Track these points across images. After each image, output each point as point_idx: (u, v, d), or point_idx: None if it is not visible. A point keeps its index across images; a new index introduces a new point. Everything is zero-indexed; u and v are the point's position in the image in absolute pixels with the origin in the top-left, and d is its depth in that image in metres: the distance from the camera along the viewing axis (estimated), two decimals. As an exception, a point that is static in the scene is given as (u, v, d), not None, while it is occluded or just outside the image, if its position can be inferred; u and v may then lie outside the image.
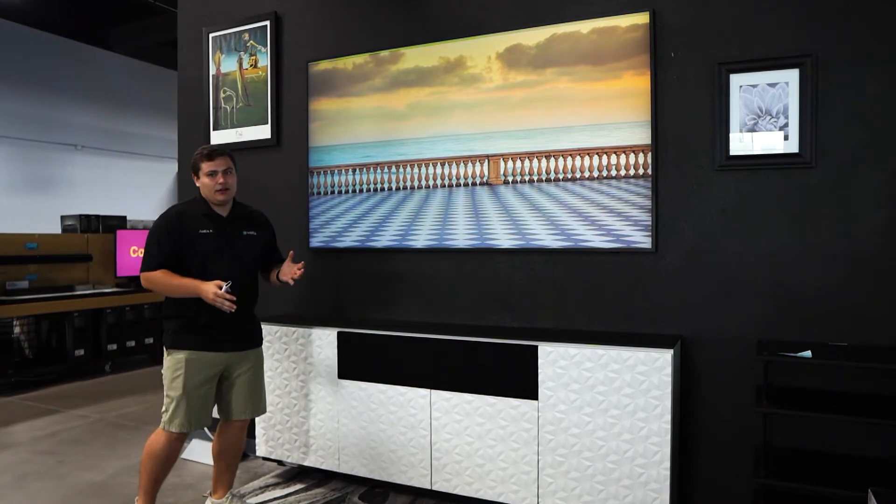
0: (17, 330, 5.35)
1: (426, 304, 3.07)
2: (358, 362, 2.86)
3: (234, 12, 3.54)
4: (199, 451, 3.35)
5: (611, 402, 2.34)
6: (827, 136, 2.31)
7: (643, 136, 2.56)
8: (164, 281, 2.38)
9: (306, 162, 3.31)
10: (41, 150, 7.92)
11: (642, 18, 2.54)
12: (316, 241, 3.29)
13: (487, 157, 2.87)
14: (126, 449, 3.60)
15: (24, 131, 7.70)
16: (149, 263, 2.40)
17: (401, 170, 3.07)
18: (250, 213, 2.66)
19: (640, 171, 2.57)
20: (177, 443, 2.46)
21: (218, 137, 3.57)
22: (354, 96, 3.17)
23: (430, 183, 3.00)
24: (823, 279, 2.33)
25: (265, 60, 3.42)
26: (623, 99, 2.58)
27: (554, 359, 2.44)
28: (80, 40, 8.04)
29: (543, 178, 2.75)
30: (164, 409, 2.45)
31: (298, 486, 2.98)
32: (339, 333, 2.90)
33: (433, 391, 2.68)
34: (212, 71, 3.60)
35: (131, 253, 5.97)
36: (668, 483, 2.26)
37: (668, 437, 2.26)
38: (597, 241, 2.64)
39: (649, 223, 2.56)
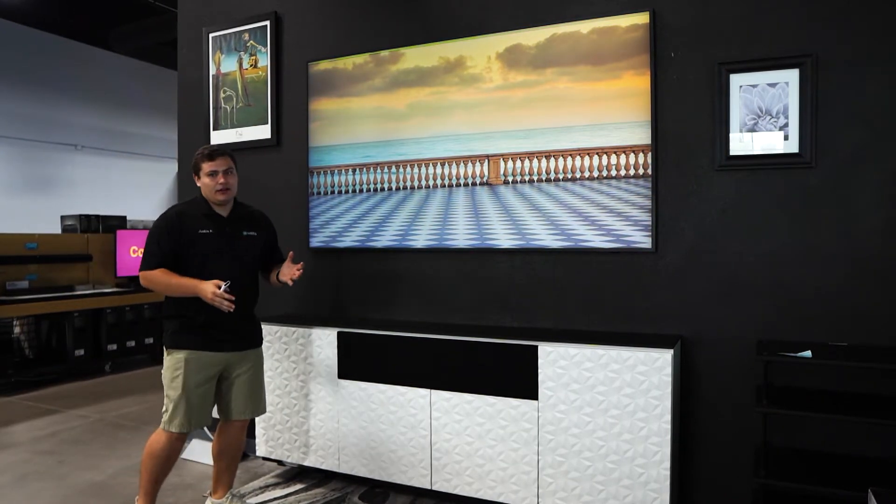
0: (17, 330, 5.35)
1: (426, 304, 3.07)
2: (358, 362, 2.86)
3: (234, 12, 3.54)
4: (199, 451, 3.36)
5: (611, 402, 2.34)
6: (827, 136, 2.31)
7: (643, 136, 2.56)
8: (163, 280, 2.39)
9: (306, 162, 3.31)
10: (41, 150, 7.92)
11: (642, 18, 2.54)
12: (316, 241, 3.29)
13: (487, 157, 2.87)
14: (126, 449, 3.60)
15: (24, 131, 7.71)
16: (148, 262, 2.40)
17: (401, 170, 3.07)
18: (251, 213, 2.66)
19: (640, 171, 2.57)
20: (177, 443, 2.46)
21: (218, 137, 3.57)
22: (354, 96, 3.17)
23: (430, 183, 3.00)
24: (823, 279, 2.33)
25: (265, 60, 3.42)
26: (623, 99, 2.58)
27: (554, 359, 2.44)
28: (80, 40, 8.04)
29: (543, 178, 2.75)
30: (164, 409, 2.46)
31: (298, 486, 2.98)
32: (339, 333, 2.90)
33: (433, 391, 2.68)
34: (212, 71, 3.60)
35: (131, 253, 5.97)
36: (668, 483, 2.26)
37: (668, 437, 2.26)
38: (597, 241, 2.64)
39: (649, 223, 2.56)
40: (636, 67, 2.56)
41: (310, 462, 2.99)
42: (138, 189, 8.97)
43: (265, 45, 3.42)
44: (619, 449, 2.32)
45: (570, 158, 2.70)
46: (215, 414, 2.62)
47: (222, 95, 3.58)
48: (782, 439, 2.39)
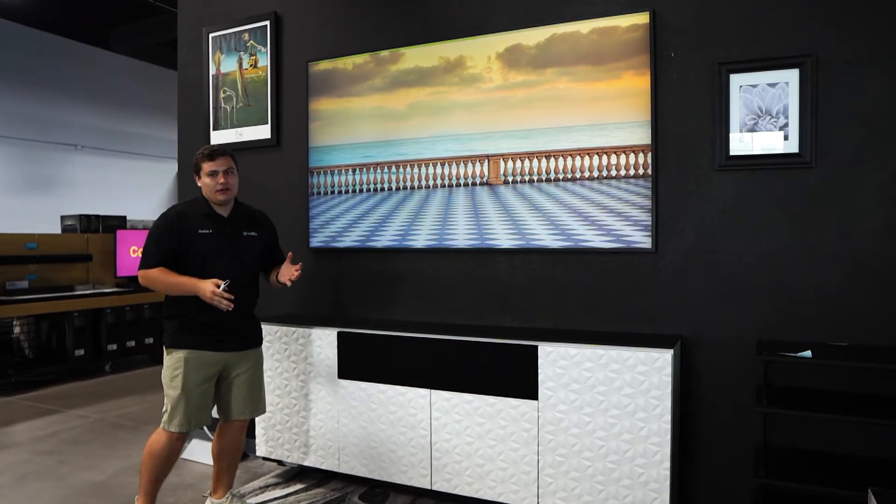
0: (17, 330, 5.35)
1: (426, 304, 3.07)
2: (358, 362, 2.86)
3: (234, 12, 3.54)
4: (199, 451, 3.36)
5: (611, 402, 2.34)
6: (827, 136, 2.31)
7: (643, 136, 2.56)
8: (162, 279, 2.39)
9: (306, 162, 3.31)
10: (41, 150, 7.92)
11: (642, 18, 2.54)
12: (316, 241, 3.29)
13: (487, 157, 2.87)
14: (126, 449, 3.60)
15: (24, 131, 7.71)
16: (147, 261, 2.41)
17: (401, 170, 3.07)
18: (252, 213, 2.65)
19: (640, 171, 2.57)
20: (177, 442, 2.46)
21: (218, 137, 3.57)
22: (354, 96, 3.17)
23: (430, 183, 3.00)
24: (823, 279, 2.33)
25: (265, 60, 3.42)
26: (623, 99, 2.58)
27: (554, 359, 2.44)
28: (80, 40, 8.04)
29: (543, 178, 2.75)
30: (164, 408, 2.46)
31: (298, 486, 2.98)
32: (339, 333, 2.90)
33: (433, 391, 2.68)
34: (212, 71, 3.60)
35: (131, 253, 5.97)
36: (668, 483, 2.26)
37: (668, 437, 2.26)
38: (597, 241, 2.64)
39: (649, 223, 2.56)
40: (636, 67, 2.56)
41: (310, 462, 2.99)
42: (138, 189, 8.97)
43: (265, 45, 3.42)
44: (619, 449, 2.32)
45: (570, 158, 2.70)
46: (215, 414, 2.62)
47: (222, 95, 3.58)
48: (782, 439, 2.39)
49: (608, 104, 2.61)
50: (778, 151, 2.37)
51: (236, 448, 2.66)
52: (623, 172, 2.60)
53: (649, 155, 2.55)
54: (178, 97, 3.78)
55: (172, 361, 2.44)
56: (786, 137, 2.36)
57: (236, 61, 3.52)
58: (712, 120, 2.47)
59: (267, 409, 2.85)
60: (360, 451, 2.85)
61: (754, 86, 2.40)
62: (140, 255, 2.47)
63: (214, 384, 2.52)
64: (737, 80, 2.42)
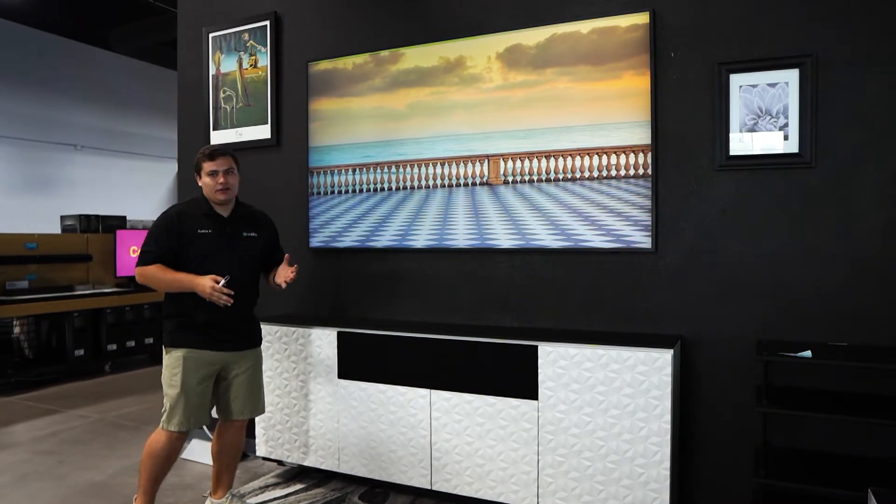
0: (16, 330, 5.35)
1: (426, 304, 3.07)
2: (358, 362, 2.86)
3: (234, 12, 3.54)
4: (199, 451, 3.36)
5: (611, 402, 2.34)
6: (827, 136, 2.31)
7: (643, 136, 2.56)
8: (159, 275, 2.39)
9: (306, 162, 3.31)
10: (41, 150, 7.92)
11: (642, 18, 2.54)
12: (316, 241, 3.29)
13: (487, 157, 2.87)
14: (126, 449, 3.60)
15: (24, 131, 7.71)
16: (144, 259, 2.41)
17: (401, 170, 3.07)
18: (252, 213, 2.65)
19: (640, 171, 2.57)
20: (177, 442, 2.46)
21: (218, 137, 3.57)
22: (354, 96, 3.17)
23: (430, 183, 3.00)
24: (823, 279, 2.33)
25: (265, 60, 3.42)
26: (623, 99, 2.58)
27: (554, 359, 2.44)
28: (80, 40, 8.04)
29: (543, 178, 2.75)
30: (163, 408, 2.46)
31: (298, 486, 2.98)
32: (339, 333, 2.90)
33: (433, 391, 2.68)
34: (212, 71, 3.60)
35: (131, 253, 5.97)
36: (668, 483, 2.26)
37: (668, 437, 2.26)
38: (597, 241, 2.64)
39: (649, 223, 2.56)
40: (636, 67, 2.56)
41: (310, 462, 2.99)
42: (138, 189, 8.97)
43: (265, 45, 3.42)
44: (619, 449, 2.32)
45: (570, 158, 2.70)
46: (214, 414, 2.62)
47: (222, 95, 3.58)
48: (782, 439, 2.39)
49: (608, 104, 2.61)
50: (778, 151, 2.37)
51: (236, 448, 2.66)
52: (623, 172, 2.60)
53: (649, 155, 2.55)
54: (178, 97, 3.78)
55: (171, 361, 2.44)
56: (786, 137, 2.36)
57: (236, 61, 3.52)
58: (712, 120, 2.47)
59: (267, 409, 2.85)
60: (360, 451, 2.85)
61: (754, 86, 2.40)
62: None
63: (213, 384, 2.52)
64: (737, 80, 2.42)
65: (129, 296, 5.77)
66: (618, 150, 2.61)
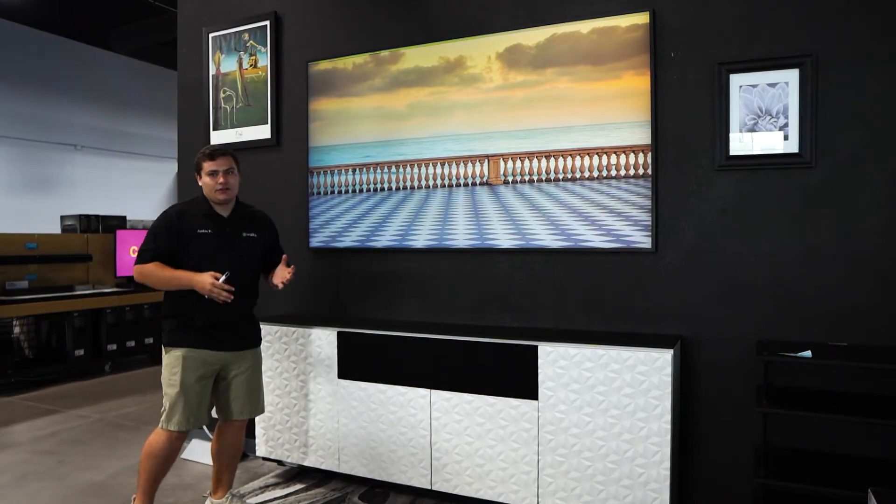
0: (16, 330, 5.35)
1: (426, 304, 3.07)
2: (358, 362, 2.86)
3: (234, 12, 3.54)
4: (199, 451, 3.36)
5: (611, 402, 2.34)
6: (827, 136, 2.31)
7: (643, 136, 2.56)
8: (157, 273, 2.38)
9: (306, 162, 3.31)
10: (41, 150, 7.92)
11: (642, 18, 2.54)
12: (316, 241, 3.29)
13: (487, 157, 2.87)
14: (126, 449, 3.60)
15: (24, 131, 7.71)
16: (143, 257, 2.41)
17: (401, 170, 3.07)
18: (252, 213, 2.65)
19: (640, 171, 2.57)
20: (177, 442, 2.45)
21: (218, 137, 3.57)
22: (354, 96, 3.17)
23: (430, 183, 3.00)
24: (823, 279, 2.33)
25: (265, 60, 3.42)
26: (623, 99, 2.58)
27: (554, 359, 2.44)
28: (80, 40, 8.04)
29: (543, 178, 2.75)
30: (162, 407, 2.45)
31: (298, 486, 2.98)
32: (339, 333, 2.90)
33: (433, 391, 2.68)
34: (212, 71, 3.60)
35: (131, 253, 5.97)
36: (668, 483, 2.26)
37: (668, 437, 2.26)
38: (597, 241, 2.64)
39: (649, 223, 2.56)
40: (636, 67, 2.56)
41: (310, 462, 2.99)
42: (138, 189, 8.97)
43: (265, 45, 3.42)
44: (619, 449, 2.32)
45: (570, 158, 2.70)
46: (214, 414, 2.62)
47: (222, 95, 3.58)
48: (782, 439, 2.39)
49: (608, 104, 2.61)
50: (778, 151, 2.37)
51: (235, 448, 2.66)
52: (623, 172, 2.60)
53: (649, 155, 2.55)
54: (178, 97, 3.78)
55: (171, 360, 2.44)
56: (786, 137, 2.36)
57: (236, 61, 3.52)
58: (712, 120, 2.47)
59: (267, 409, 2.85)
60: (360, 451, 2.85)
61: (754, 86, 2.40)
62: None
63: (213, 383, 2.52)
64: (737, 80, 2.42)
65: (129, 296, 5.77)
66: (618, 150, 2.60)
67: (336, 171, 3.23)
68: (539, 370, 2.46)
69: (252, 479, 3.09)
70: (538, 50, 2.74)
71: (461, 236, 2.92)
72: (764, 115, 2.39)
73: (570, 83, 2.68)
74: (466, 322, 2.97)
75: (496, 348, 2.56)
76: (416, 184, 3.03)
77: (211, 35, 3.60)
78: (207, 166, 2.47)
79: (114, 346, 5.68)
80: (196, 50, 3.67)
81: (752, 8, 2.40)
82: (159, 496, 2.57)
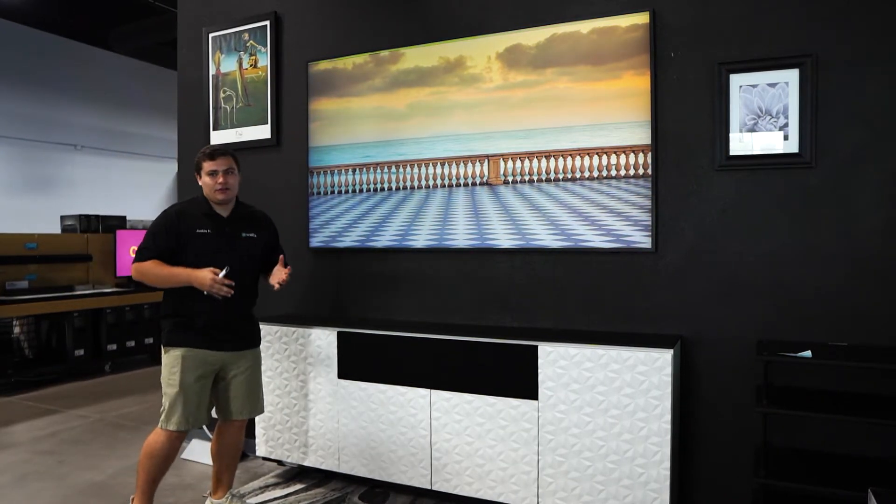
0: (16, 330, 5.35)
1: (426, 304, 3.07)
2: (358, 362, 2.86)
3: (234, 12, 3.54)
4: (199, 451, 3.36)
5: (611, 402, 2.34)
6: (827, 136, 2.31)
7: (643, 136, 2.56)
8: (155, 270, 2.38)
9: (306, 162, 3.31)
10: (41, 150, 7.92)
11: (642, 18, 2.54)
12: (316, 241, 3.29)
13: (487, 157, 2.87)
14: (126, 449, 3.60)
15: (24, 131, 7.71)
16: (141, 255, 2.41)
17: (401, 170, 3.07)
18: (252, 213, 2.65)
19: (640, 171, 2.57)
20: (176, 442, 2.45)
21: (218, 137, 3.57)
22: (354, 96, 3.17)
23: (430, 183, 3.00)
24: (823, 279, 2.33)
25: (265, 60, 3.42)
26: (623, 99, 2.58)
27: (554, 359, 2.44)
28: (80, 40, 8.04)
29: (543, 178, 2.75)
30: (161, 407, 2.45)
31: (298, 486, 2.98)
32: (339, 333, 2.90)
33: (433, 391, 2.68)
34: (212, 71, 3.60)
35: (131, 253, 5.97)
36: (668, 483, 2.26)
37: (668, 437, 2.26)
38: (597, 241, 2.64)
39: (649, 223, 2.56)
40: (636, 67, 2.56)
41: (310, 462, 2.99)
42: (138, 189, 8.97)
43: (265, 45, 3.42)
44: (619, 449, 2.32)
45: (570, 158, 2.70)
46: (214, 414, 2.62)
47: (222, 95, 3.58)
48: (782, 439, 2.39)
49: (608, 104, 2.61)
50: (778, 151, 2.37)
51: (235, 448, 2.66)
52: (623, 172, 2.60)
53: (649, 155, 2.55)
54: (178, 97, 3.78)
55: (170, 360, 2.44)
56: (786, 137, 2.36)
57: (236, 61, 3.52)
58: (712, 120, 2.47)
59: (266, 409, 2.85)
60: (360, 451, 2.85)
61: (754, 86, 2.40)
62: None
63: (212, 383, 2.52)
64: (737, 80, 2.42)
65: (129, 296, 5.77)
66: (618, 150, 2.60)
67: (336, 171, 3.23)
68: (539, 370, 2.46)
69: (252, 479, 3.09)
70: (538, 50, 2.74)
71: (461, 236, 2.92)
72: (764, 115, 2.39)
73: (570, 83, 2.68)
74: (466, 322, 2.97)
75: (496, 348, 2.56)
76: (416, 184, 3.03)
77: (211, 35, 3.60)
78: (207, 166, 2.47)
79: (114, 346, 5.69)
80: (196, 50, 3.67)
81: (752, 8, 2.40)
82: (159, 496, 2.57)
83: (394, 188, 3.09)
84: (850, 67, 2.27)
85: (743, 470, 2.40)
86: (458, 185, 2.94)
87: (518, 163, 2.80)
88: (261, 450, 3.12)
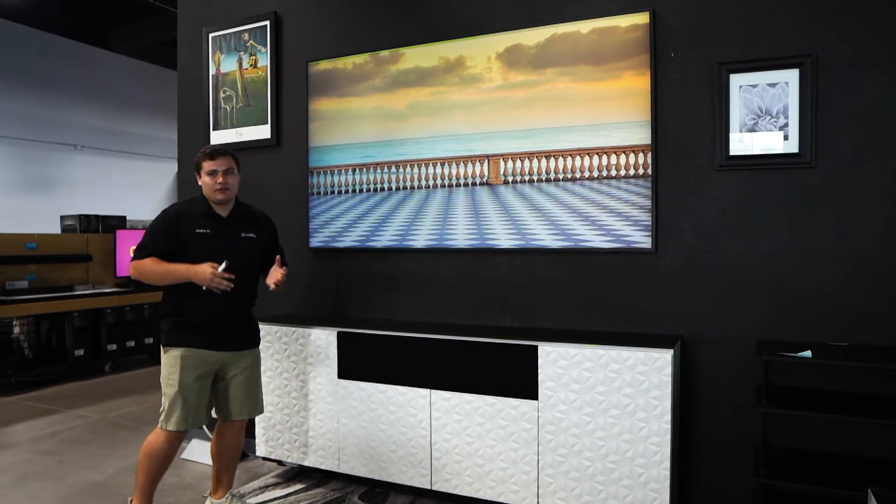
0: (16, 330, 5.35)
1: (426, 304, 3.07)
2: (358, 362, 2.86)
3: (234, 12, 3.54)
4: (199, 451, 3.36)
5: (611, 402, 2.33)
6: (827, 136, 2.31)
7: (643, 136, 2.56)
8: (154, 267, 2.38)
9: (306, 162, 3.31)
10: (41, 150, 7.92)
11: (642, 18, 2.54)
12: (316, 241, 3.29)
13: (487, 157, 2.87)
14: (126, 449, 3.60)
15: (24, 131, 7.71)
16: (140, 253, 2.41)
17: (401, 170, 3.07)
18: (252, 213, 2.65)
19: (640, 171, 2.57)
20: (175, 442, 2.45)
21: (218, 137, 3.57)
22: (354, 96, 3.17)
23: (430, 183, 3.00)
24: (823, 279, 2.33)
25: (265, 60, 3.42)
26: (623, 99, 2.58)
27: (554, 359, 2.44)
28: (80, 40, 8.04)
29: (543, 178, 2.75)
30: (161, 407, 2.45)
31: (298, 486, 2.98)
32: (339, 333, 2.90)
33: (433, 391, 2.68)
34: (212, 71, 3.60)
35: (131, 253, 5.90)
36: (668, 483, 2.26)
37: (668, 437, 2.26)
38: (597, 241, 2.64)
39: (649, 223, 2.56)
40: (636, 67, 2.56)
41: (310, 462, 2.99)
42: (138, 189, 8.97)
43: (265, 45, 3.42)
44: (619, 449, 2.32)
45: (570, 158, 2.70)
46: (214, 414, 2.62)
47: (222, 95, 3.58)
48: (782, 439, 2.39)
49: (608, 104, 2.61)
50: (778, 151, 2.37)
51: (235, 448, 2.66)
52: (623, 172, 2.60)
53: (649, 155, 2.55)
54: (178, 97, 3.78)
55: (169, 360, 2.44)
56: (786, 137, 2.36)
57: (236, 61, 3.52)
58: (712, 120, 2.47)
59: (266, 409, 2.85)
60: (360, 451, 2.85)
61: (754, 86, 2.40)
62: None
63: (211, 383, 2.52)
64: (737, 80, 2.41)
65: (129, 296, 5.77)
66: (618, 150, 2.60)
67: (336, 171, 3.23)
68: (539, 370, 2.46)
69: (252, 479, 3.09)
70: (538, 50, 2.74)
71: (461, 236, 2.92)
72: (764, 115, 2.39)
73: (570, 83, 2.68)
74: (466, 322, 2.97)
75: (496, 348, 2.56)
76: (416, 184, 3.03)
77: (211, 35, 3.60)
78: (207, 166, 2.47)
79: (114, 346, 5.69)
80: (196, 50, 3.67)
81: (752, 8, 2.40)
82: (159, 496, 2.57)
83: (394, 188, 3.09)
84: (850, 67, 2.27)
85: (743, 470, 2.40)
86: (458, 185, 2.94)
87: (518, 163, 2.80)
88: (261, 450, 3.12)
